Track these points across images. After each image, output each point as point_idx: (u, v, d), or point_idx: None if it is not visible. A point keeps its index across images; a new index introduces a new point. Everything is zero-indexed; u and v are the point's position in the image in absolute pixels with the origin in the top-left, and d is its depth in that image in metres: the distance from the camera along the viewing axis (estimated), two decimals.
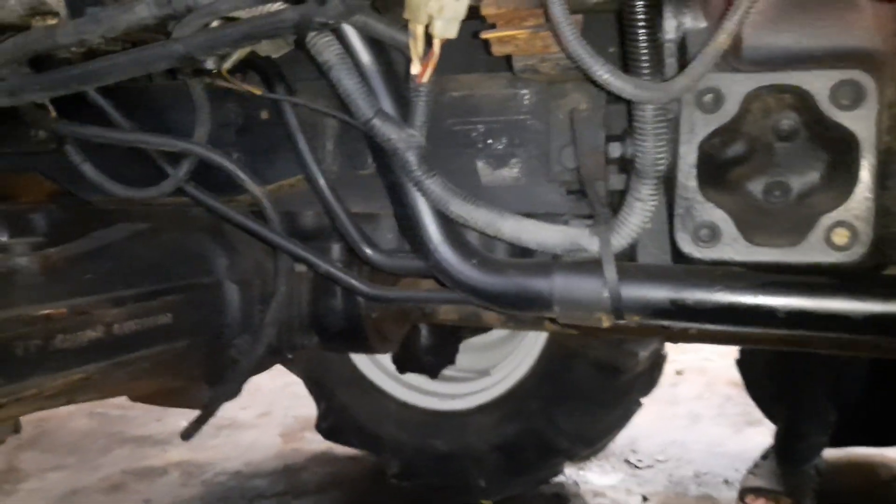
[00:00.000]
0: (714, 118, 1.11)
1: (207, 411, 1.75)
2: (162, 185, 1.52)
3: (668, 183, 1.19)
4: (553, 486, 3.04)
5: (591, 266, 1.21)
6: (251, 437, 3.70)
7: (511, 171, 1.40)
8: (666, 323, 1.19)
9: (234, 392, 1.73)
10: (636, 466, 3.25)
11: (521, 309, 1.28)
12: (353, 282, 1.47)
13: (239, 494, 3.05)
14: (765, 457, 3.06)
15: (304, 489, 3.11)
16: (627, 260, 1.28)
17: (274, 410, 4.01)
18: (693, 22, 1.13)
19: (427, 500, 3.00)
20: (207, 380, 1.76)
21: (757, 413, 3.24)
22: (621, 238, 1.19)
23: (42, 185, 1.89)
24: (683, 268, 1.19)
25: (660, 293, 1.18)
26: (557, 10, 1.00)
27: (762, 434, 3.46)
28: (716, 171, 1.16)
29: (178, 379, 1.69)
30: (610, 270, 1.18)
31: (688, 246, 1.14)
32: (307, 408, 3.25)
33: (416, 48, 1.23)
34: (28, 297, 1.37)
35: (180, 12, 1.33)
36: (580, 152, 1.29)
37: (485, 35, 1.18)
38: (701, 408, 4.01)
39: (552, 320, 1.31)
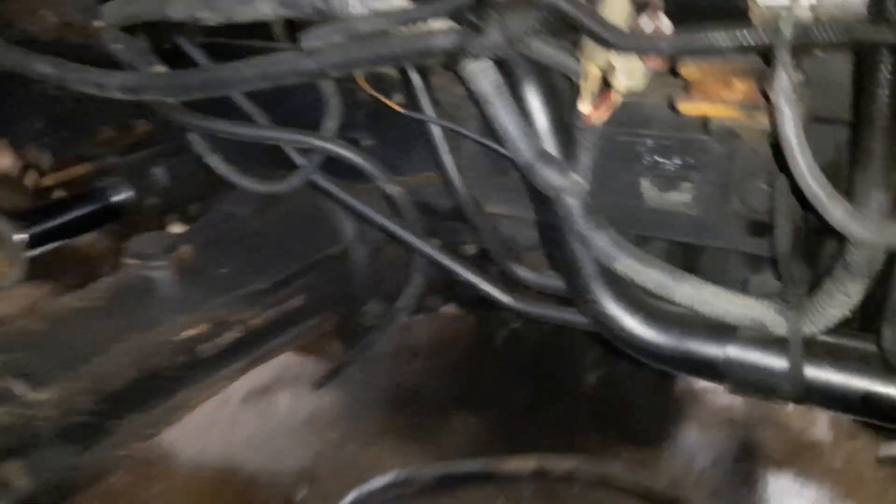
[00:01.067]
0: None
1: (340, 367, 1.77)
2: (291, 179, 1.41)
3: None
4: None
5: (773, 343, 1.09)
6: None
7: (681, 196, 1.23)
8: (857, 419, 1.08)
9: (366, 354, 1.73)
10: None
11: (686, 373, 1.18)
12: (496, 294, 1.38)
13: None
14: None
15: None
16: None
17: None
18: None
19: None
20: (340, 339, 1.77)
21: None
22: (813, 326, 1.05)
23: None
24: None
25: (853, 385, 1.06)
26: (787, 121, 0.80)
27: None
28: None
29: (310, 349, 1.70)
30: (797, 363, 1.06)
31: None
32: None
33: (589, 87, 1.04)
34: (170, 312, 1.35)
35: (308, 15, 1.15)
36: (775, 194, 1.10)
37: (680, 105, 0.97)
38: None
39: None
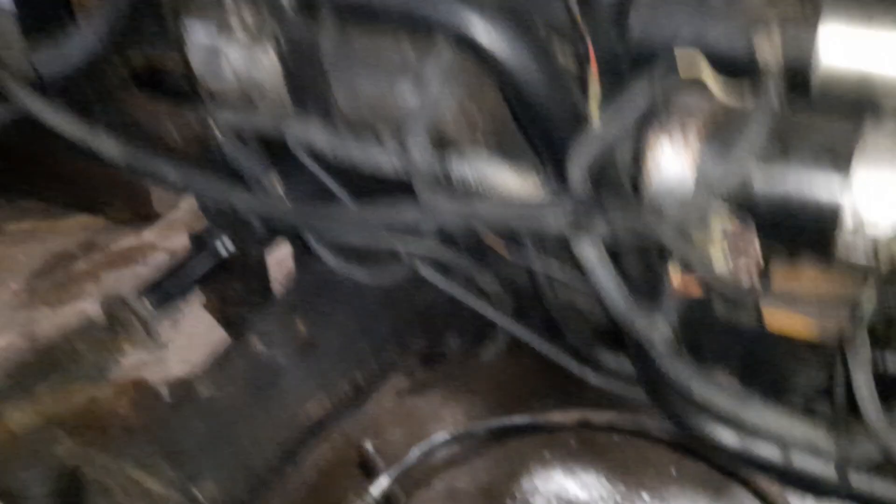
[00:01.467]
0: None
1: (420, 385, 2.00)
2: (395, 271, 1.57)
3: None
4: None
5: (824, 456, 1.30)
6: None
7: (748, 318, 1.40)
8: None
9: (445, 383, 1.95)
10: None
11: (746, 467, 1.40)
12: (580, 372, 1.57)
13: None
14: None
15: None
16: None
17: None
18: None
19: None
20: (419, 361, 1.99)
21: None
22: (860, 454, 1.25)
23: None
24: None
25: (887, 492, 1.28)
26: (859, 374, 0.95)
27: None
28: None
29: None
30: (844, 479, 1.27)
31: None
32: None
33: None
34: (294, 388, 1.57)
35: (429, 182, 1.28)
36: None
37: (768, 312, 1.12)
38: None
39: None
